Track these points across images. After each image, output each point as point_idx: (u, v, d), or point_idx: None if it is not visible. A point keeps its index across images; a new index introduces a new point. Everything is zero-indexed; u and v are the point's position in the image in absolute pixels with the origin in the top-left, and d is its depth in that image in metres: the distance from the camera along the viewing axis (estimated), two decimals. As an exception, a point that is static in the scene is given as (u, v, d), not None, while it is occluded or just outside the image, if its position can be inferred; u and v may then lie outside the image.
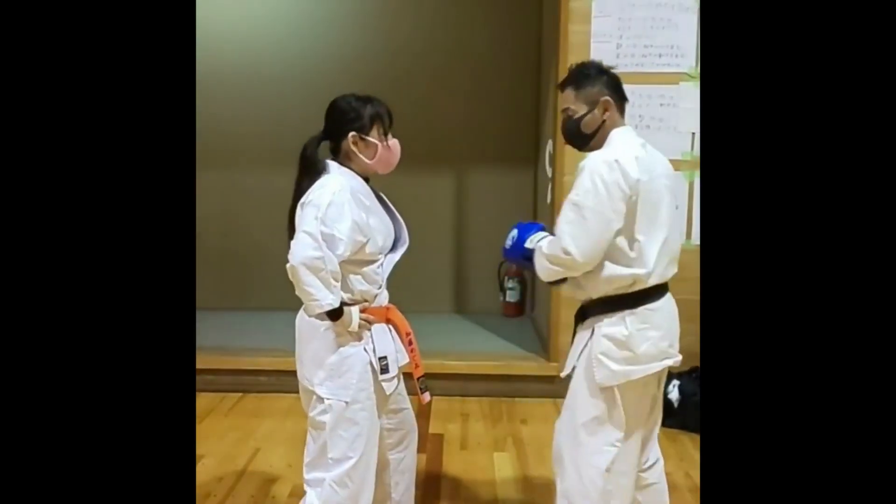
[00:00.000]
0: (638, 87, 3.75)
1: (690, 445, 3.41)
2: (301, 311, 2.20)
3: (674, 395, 3.61)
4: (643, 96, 3.76)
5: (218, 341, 4.34)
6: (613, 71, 2.12)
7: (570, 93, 2.11)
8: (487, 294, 5.24)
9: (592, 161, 1.99)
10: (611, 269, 2.02)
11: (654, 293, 2.07)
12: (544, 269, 2.08)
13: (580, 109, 2.10)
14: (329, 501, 2.19)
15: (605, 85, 2.09)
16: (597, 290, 2.07)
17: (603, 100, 2.07)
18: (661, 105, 3.77)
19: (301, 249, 2.03)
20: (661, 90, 3.76)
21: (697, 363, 3.29)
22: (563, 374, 2.19)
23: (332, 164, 2.18)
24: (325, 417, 2.17)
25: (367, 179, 2.24)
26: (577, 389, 2.13)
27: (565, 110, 2.13)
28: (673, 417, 3.60)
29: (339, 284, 2.08)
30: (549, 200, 4.18)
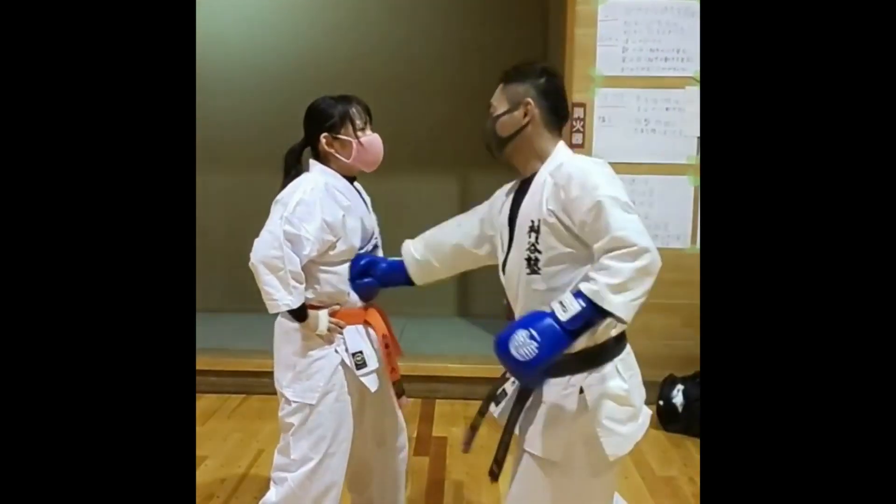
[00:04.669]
0: (643, 91, 3.76)
1: (694, 450, 3.40)
2: (279, 315, 2.19)
3: (678, 399, 3.60)
4: (649, 100, 3.76)
5: (222, 343, 4.34)
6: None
7: (499, 88, 1.85)
8: (491, 297, 5.23)
9: (582, 162, 1.71)
10: None
11: (624, 332, 1.77)
12: (633, 303, 1.55)
13: (500, 107, 1.82)
14: (288, 501, 2.17)
15: (536, 87, 1.79)
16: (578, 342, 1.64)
17: (525, 101, 1.78)
18: (667, 109, 3.77)
19: (261, 248, 2.03)
20: (666, 94, 3.76)
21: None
22: (556, 459, 1.74)
23: (314, 163, 2.18)
24: (293, 419, 2.16)
25: (353, 179, 2.24)
26: (570, 478, 1.73)
27: (488, 107, 1.86)
28: (677, 422, 3.60)
29: (301, 286, 2.06)
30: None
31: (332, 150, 2.16)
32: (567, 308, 1.57)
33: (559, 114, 1.83)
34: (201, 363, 3.57)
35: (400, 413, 2.38)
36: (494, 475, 1.82)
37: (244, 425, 3.65)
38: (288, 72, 5.12)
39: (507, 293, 1.90)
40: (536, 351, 1.56)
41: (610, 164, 1.75)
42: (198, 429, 3.54)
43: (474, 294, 5.34)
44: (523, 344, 1.57)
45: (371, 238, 2.25)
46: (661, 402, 3.64)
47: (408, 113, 5.17)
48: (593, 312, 1.55)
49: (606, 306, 1.54)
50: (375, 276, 2.19)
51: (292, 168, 2.20)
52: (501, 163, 1.88)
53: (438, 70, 5.18)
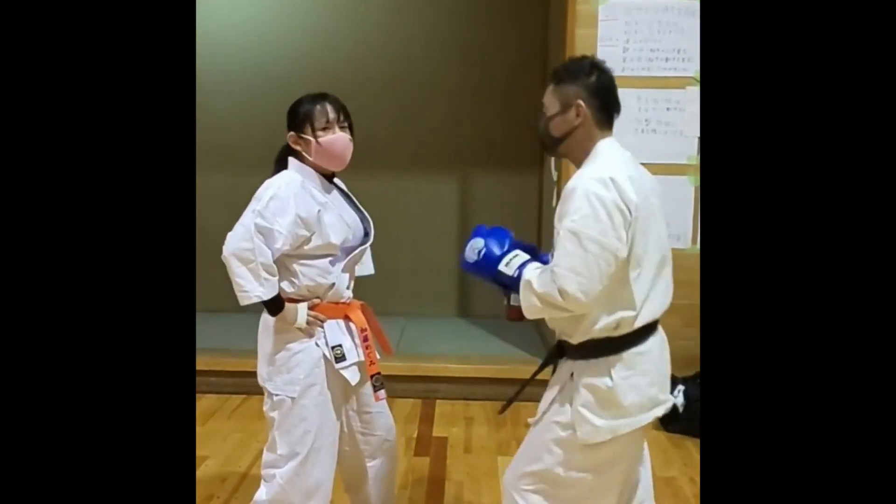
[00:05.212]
0: (644, 91, 3.75)
1: (694, 450, 3.40)
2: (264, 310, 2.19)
3: (678, 400, 3.60)
4: (649, 100, 3.76)
5: (222, 343, 4.34)
6: (615, 74, 1.87)
7: (550, 87, 1.90)
8: (491, 298, 5.23)
9: (584, 180, 1.75)
10: (593, 313, 1.76)
11: (642, 334, 1.82)
12: (533, 308, 1.81)
13: (552, 108, 1.87)
14: (277, 498, 2.17)
15: (586, 87, 1.83)
16: (575, 335, 1.82)
17: (576, 102, 1.82)
18: (668, 109, 3.76)
19: (233, 241, 2.06)
20: (667, 94, 3.75)
21: (702, 368, 3.28)
22: (530, 421, 1.95)
23: (291, 160, 2.19)
24: (274, 413, 2.16)
25: (332, 175, 2.24)
26: (550, 443, 1.86)
27: (542, 106, 1.91)
28: (677, 423, 3.60)
29: (273, 278, 2.07)
30: (553, 204, 4.17)
31: (298, 149, 2.17)
32: (510, 266, 1.88)
33: (610, 110, 1.87)
34: (202, 363, 3.57)
35: (387, 408, 2.36)
36: (502, 410, 2.10)
37: (244, 425, 3.65)
38: (288, 72, 5.11)
39: None
40: (469, 263, 1.95)
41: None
42: (198, 429, 3.54)
43: (474, 294, 5.33)
44: (472, 251, 1.95)
45: (359, 235, 2.24)
46: (661, 403, 3.63)
47: (409, 113, 5.17)
48: (514, 286, 1.87)
49: (521, 295, 1.84)
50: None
51: (277, 164, 2.21)
52: (557, 158, 1.93)
53: (439, 70, 5.18)
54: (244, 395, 4.01)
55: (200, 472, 3.10)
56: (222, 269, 2.08)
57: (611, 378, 1.78)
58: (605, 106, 1.86)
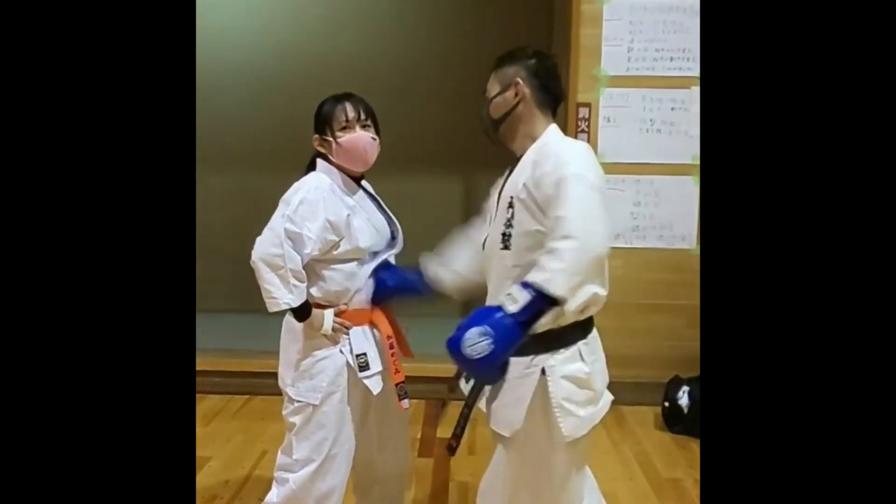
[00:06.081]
0: (649, 91, 3.75)
1: (699, 452, 3.38)
2: (287, 314, 2.18)
3: (683, 401, 3.59)
4: (654, 100, 3.75)
5: (226, 343, 4.33)
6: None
7: (492, 74, 1.88)
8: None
9: (563, 142, 1.73)
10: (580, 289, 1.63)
11: (591, 317, 1.76)
12: (573, 287, 1.55)
13: (493, 90, 1.85)
14: (289, 502, 2.16)
15: (526, 68, 1.79)
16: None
17: (515, 81, 1.79)
18: (672, 109, 3.75)
19: (262, 246, 2.04)
20: (672, 94, 3.75)
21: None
22: (508, 434, 1.76)
23: (320, 162, 2.18)
24: (295, 418, 2.15)
25: (360, 178, 2.22)
26: (528, 454, 1.73)
27: (483, 93, 1.88)
28: (682, 423, 3.58)
29: (302, 284, 2.05)
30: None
31: (323, 151, 2.16)
32: (516, 300, 1.55)
33: (550, 92, 1.82)
34: (205, 364, 3.56)
35: (404, 415, 2.35)
36: (452, 449, 1.81)
37: (248, 426, 3.64)
38: (293, 73, 5.12)
39: (483, 271, 1.95)
40: (491, 346, 1.54)
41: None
42: (201, 430, 3.54)
43: (477, 295, 5.32)
44: (476, 342, 1.55)
45: (387, 239, 2.23)
46: (666, 404, 3.62)
47: (412, 113, 5.17)
48: (542, 301, 1.54)
49: (553, 291, 1.53)
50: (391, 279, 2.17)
51: (311, 167, 2.20)
52: (498, 146, 1.89)
53: (443, 70, 5.17)
54: (248, 396, 4.00)
55: (203, 474, 3.09)
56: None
57: (586, 364, 1.69)
58: (545, 87, 1.80)
